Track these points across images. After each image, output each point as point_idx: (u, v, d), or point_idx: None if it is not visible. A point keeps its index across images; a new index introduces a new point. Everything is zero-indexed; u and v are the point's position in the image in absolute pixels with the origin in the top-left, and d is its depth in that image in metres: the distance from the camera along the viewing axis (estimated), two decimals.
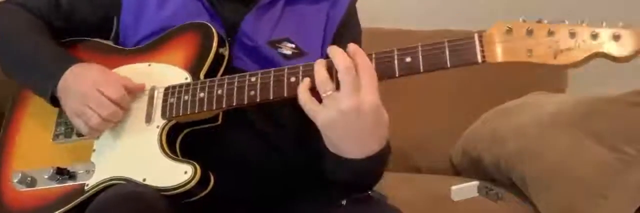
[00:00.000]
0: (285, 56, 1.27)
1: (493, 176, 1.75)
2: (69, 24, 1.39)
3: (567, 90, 2.10)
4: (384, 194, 1.27)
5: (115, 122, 1.22)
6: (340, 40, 1.31)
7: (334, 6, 1.34)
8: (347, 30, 1.34)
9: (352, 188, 1.21)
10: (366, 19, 1.42)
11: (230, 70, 1.25)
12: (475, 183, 1.63)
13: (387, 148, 1.12)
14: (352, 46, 1.08)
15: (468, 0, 2.34)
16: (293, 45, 1.29)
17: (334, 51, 1.07)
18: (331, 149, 1.10)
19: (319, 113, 1.06)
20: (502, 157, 1.69)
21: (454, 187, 1.59)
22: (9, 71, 1.38)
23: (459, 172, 1.93)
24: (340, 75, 1.04)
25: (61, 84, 1.24)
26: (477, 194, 1.61)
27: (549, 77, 2.07)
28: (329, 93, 1.05)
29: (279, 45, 1.29)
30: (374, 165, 1.13)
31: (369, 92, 1.03)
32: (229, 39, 1.29)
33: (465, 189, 1.60)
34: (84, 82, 1.22)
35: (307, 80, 1.09)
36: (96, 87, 1.20)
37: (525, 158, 1.61)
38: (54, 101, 1.27)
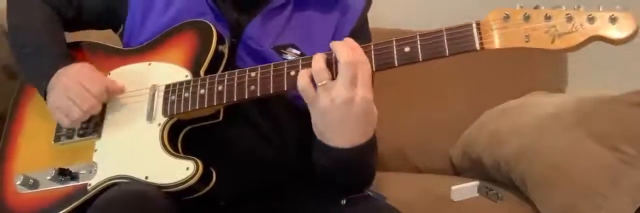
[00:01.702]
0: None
1: (493, 176, 1.75)
2: (80, 16, 1.42)
3: (567, 90, 2.10)
4: (383, 194, 1.28)
5: (92, 114, 1.25)
6: None
7: (344, 15, 1.34)
8: (357, 39, 1.35)
9: (340, 184, 1.22)
10: None
11: (232, 69, 1.26)
12: (475, 183, 1.63)
13: (372, 142, 1.14)
14: (349, 40, 1.09)
15: (469, 1, 2.34)
16: (298, 52, 1.29)
17: (339, 46, 1.08)
18: (318, 136, 1.12)
19: (315, 100, 1.07)
20: (502, 157, 1.69)
21: (454, 187, 1.59)
22: (14, 57, 1.41)
23: (459, 172, 1.93)
24: (341, 69, 1.06)
25: (51, 81, 1.28)
26: (477, 194, 1.61)
27: (549, 77, 2.07)
28: (324, 82, 1.07)
29: (284, 51, 1.29)
30: (358, 157, 1.14)
31: (364, 87, 1.05)
32: (234, 40, 1.29)
33: (465, 189, 1.61)
34: (68, 77, 1.25)
35: (307, 69, 1.10)
36: (78, 81, 1.23)
37: (525, 159, 1.61)
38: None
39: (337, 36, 1.32)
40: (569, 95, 1.99)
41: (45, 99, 1.30)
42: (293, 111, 1.29)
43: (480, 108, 1.95)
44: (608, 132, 1.52)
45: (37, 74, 1.32)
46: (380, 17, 1.46)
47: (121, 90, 1.29)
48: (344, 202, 1.20)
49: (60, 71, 1.28)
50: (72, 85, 1.24)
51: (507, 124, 1.76)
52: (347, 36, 1.31)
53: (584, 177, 1.49)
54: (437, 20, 2.19)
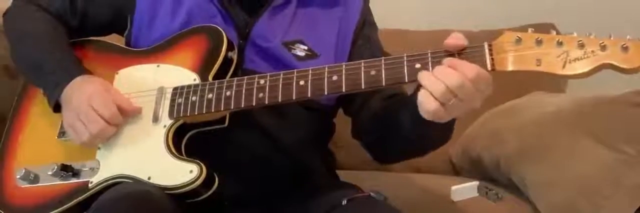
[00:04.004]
0: (298, 57, 1.29)
1: (493, 176, 1.75)
2: (84, 23, 1.40)
3: (567, 90, 2.10)
4: (384, 194, 1.28)
5: (105, 139, 1.23)
6: (360, 41, 1.35)
7: (346, 10, 1.36)
8: (365, 31, 1.37)
9: (412, 147, 1.24)
10: None
11: (242, 71, 1.27)
12: (475, 183, 1.63)
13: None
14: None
15: (467, 1, 2.34)
16: (306, 47, 1.31)
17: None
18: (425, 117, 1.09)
19: (444, 115, 1.07)
20: (502, 157, 1.69)
21: (454, 187, 1.59)
22: (20, 71, 1.41)
23: (459, 172, 1.93)
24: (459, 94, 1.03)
25: (64, 93, 1.26)
26: (477, 194, 1.61)
27: (549, 77, 2.07)
28: (452, 102, 1.05)
29: (293, 47, 1.30)
30: (449, 128, 1.18)
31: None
32: (242, 41, 1.30)
33: (465, 189, 1.60)
34: (81, 96, 1.24)
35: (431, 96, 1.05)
36: (89, 103, 1.21)
37: (525, 158, 1.61)
38: (58, 108, 1.29)
39: (341, 32, 1.34)
40: (569, 95, 1.99)
41: (54, 110, 1.29)
42: (301, 114, 1.29)
43: (481, 108, 1.94)
44: (608, 132, 1.52)
45: (46, 85, 1.31)
46: (380, 17, 1.46)
47: (136, 111, 1.25)
48: (345, 202, 1.21)
49: (71, 84, 1.26)
50: (84, 107, 1.22)
51: (507, 124, 1.76)
52: (354, 31, 1.33)
53: (584, 177, 1.49)
54: (437, 20, 2.21)
